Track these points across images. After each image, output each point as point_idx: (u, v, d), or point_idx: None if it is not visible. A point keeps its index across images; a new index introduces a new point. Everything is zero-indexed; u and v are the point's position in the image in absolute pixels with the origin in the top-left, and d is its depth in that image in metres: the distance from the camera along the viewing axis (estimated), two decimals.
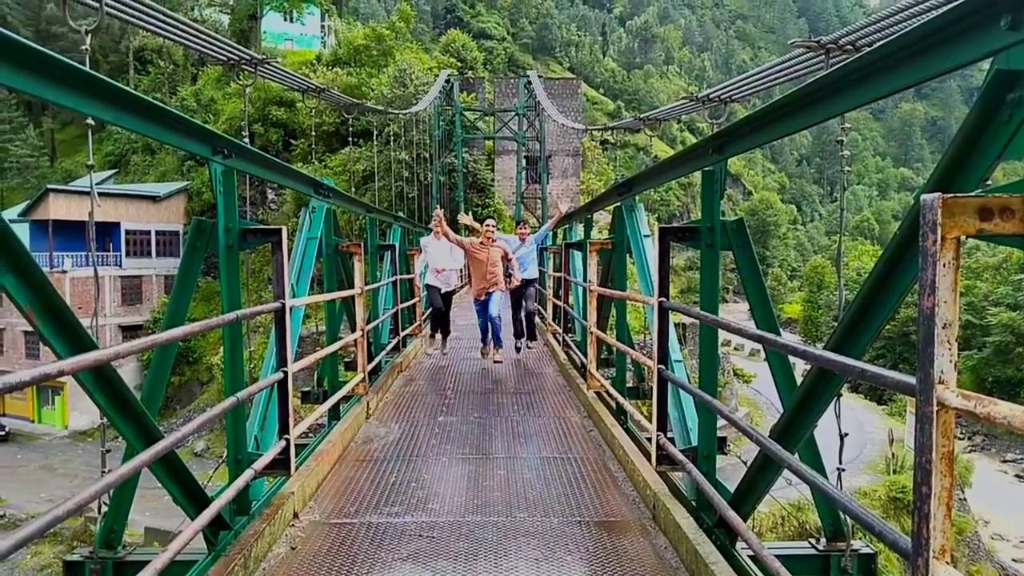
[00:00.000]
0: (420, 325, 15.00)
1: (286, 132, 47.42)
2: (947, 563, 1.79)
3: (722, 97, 8.11)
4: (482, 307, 11.53)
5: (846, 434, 4.31)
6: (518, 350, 12.56)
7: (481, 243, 11.33)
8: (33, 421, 43.60)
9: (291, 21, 64.40)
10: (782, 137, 4.18)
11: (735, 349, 58.57)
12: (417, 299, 14.90)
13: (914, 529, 1.82)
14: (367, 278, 9.08)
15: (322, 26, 67.21)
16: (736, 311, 59.25)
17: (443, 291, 12.43)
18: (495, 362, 11.65)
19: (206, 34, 8.35)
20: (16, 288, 2.93)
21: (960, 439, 44.96)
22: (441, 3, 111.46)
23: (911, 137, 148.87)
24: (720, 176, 4.83)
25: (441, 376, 11.19)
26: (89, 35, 4.66)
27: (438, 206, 12.87)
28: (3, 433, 41.59)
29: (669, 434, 5.53)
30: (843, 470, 4.40)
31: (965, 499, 33.66)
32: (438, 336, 12.93)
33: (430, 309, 13.08)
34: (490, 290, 11.35)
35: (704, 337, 5.27)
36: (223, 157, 4.62)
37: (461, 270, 14.21)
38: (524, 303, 12.34)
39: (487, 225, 11.41)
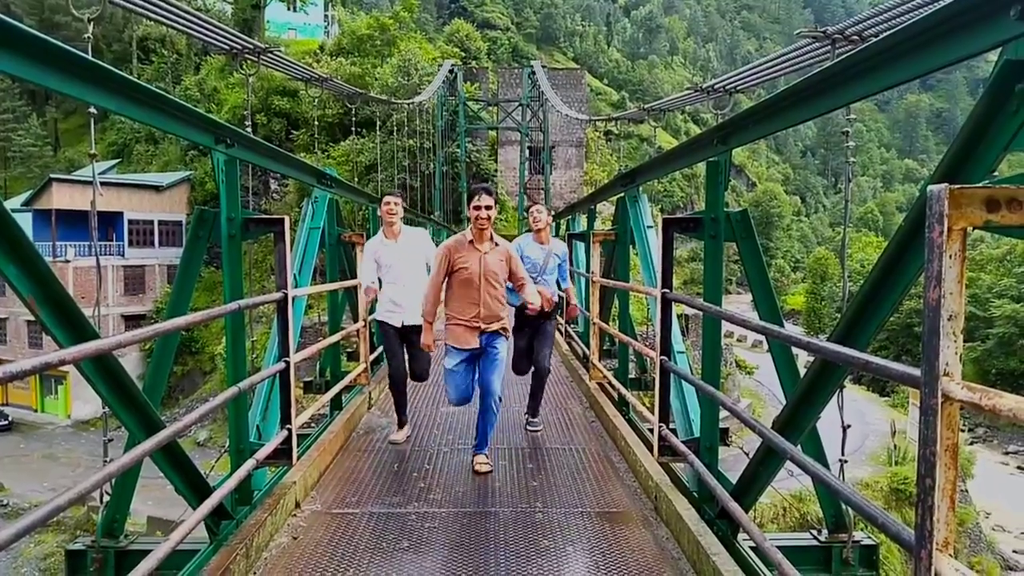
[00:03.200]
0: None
1: (289, 122, 47.32)
2: (950, 555, 1.78)
3: (727, 87, 8.09)
4: (467, 365, 6.11)
5: (848, 426, 4.30)
6: (530, 428, 7.48)
7: (471, 242, 5.97)
8: (36, 410, 43.69)
9: (294, 10, 64.26)
10: (787, 128, 4.16)
11: (738, 340, 58.50)
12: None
13: (918, 521, 1.82)
14: None
15: (325, 15, 67.06)
16: (739, 302, 59.21)
17: (403, 324, 7.02)
18: (476, 471, 6.03)
19: (209, 23, 8.33)
20: (18, 277, 2.93)
21: (962, 431, 44.93)
22: None
23: (916, 128, 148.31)
24: (724, 167, 4.81)
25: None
26: (92, 24, 4.65)
27: (396, 191, 7.53)
28: (6, 423, 41.69)
29: (671, 425, 5.54)
30: (845, 462, 4.40)
31: (967, 491, 33.69)
32: (405, 427, 7.20)
33: (385, 360, 7.77)
34: (488, 330, 6.02)
35: (707, 328, 5.26)
36: (225, 146, 4.62)
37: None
38: (539, 352, 7.39)
39: (476, 207, 5.91)
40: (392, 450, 6.71)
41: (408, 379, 7.14)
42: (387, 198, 7.09)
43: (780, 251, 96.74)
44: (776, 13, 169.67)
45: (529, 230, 8.02)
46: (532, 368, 7.48)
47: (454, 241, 5.97)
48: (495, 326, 6.01)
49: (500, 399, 6.05)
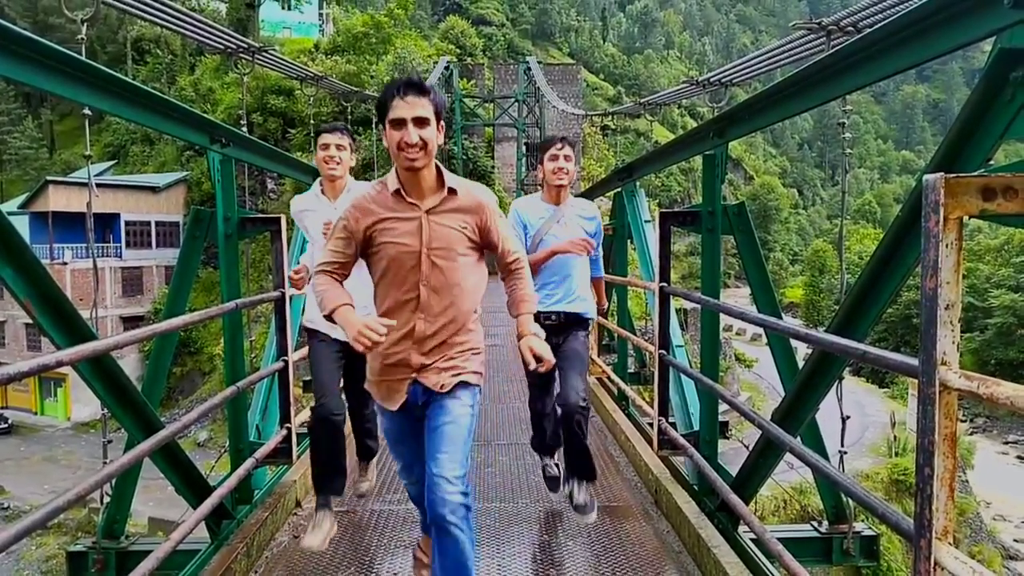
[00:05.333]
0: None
1: (285, 121, 47.23)
2: (950, 544, 1.78)
3: (723, 81, 8.08)
4: (411, 426, 3.08)
5: (848, 417, 4.31)
6: (578, 511, 4.51)
7: (399, 192, 2.91)
8: (36, 413, 43.62)
9: (289, 9, 64.13)
10: (783, 120, 4.16)
11: (736, 334, 58.53)
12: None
13: (917, 510, 1.82)
14: None
15: (320, 14, 66.91)
16: (738, 296, 59.26)
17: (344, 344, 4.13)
18: None
19: (203, 23, 8.32)
20: (14, 279, 2.93)
21: (962, 421, 44.88)
22: None
23: (913, 120, 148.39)
24: (721, 160, 4.81)
25: None
26: (85, 24, 4.64)
27: (340, 126, 4.52)
28: (6, 425, 41.63)
29: (671, 419, 5.54)
30: (845, 453, 4.41)
31: (967, 480, 33.73)
32: (327, 514, 4.10)
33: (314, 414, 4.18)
34: (425, 378, 2.96)
35: (705, 322, 5.27)
36: (221, 146, 4.62)
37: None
38: (564, 379, 4.47)
39: (395, 121, 2.80)
40: None
41: (345, 426, 4.25)
42: (324, 137, 4.36)
43: (778, 244, 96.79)
44: (771, 6, 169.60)
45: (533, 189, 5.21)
46: (556, 405, 4.60)
47: (372, 191, 2.98)
48: (445, 375, 2.96)
49: (470, 509, 2.83)
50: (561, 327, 4.48)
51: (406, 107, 2.78)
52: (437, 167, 2.90)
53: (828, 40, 5.30)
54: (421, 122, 2.78)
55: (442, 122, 2.87)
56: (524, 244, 4.32)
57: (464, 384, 2.98)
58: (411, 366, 2.93)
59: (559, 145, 4.48)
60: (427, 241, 2.86)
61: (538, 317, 3.62)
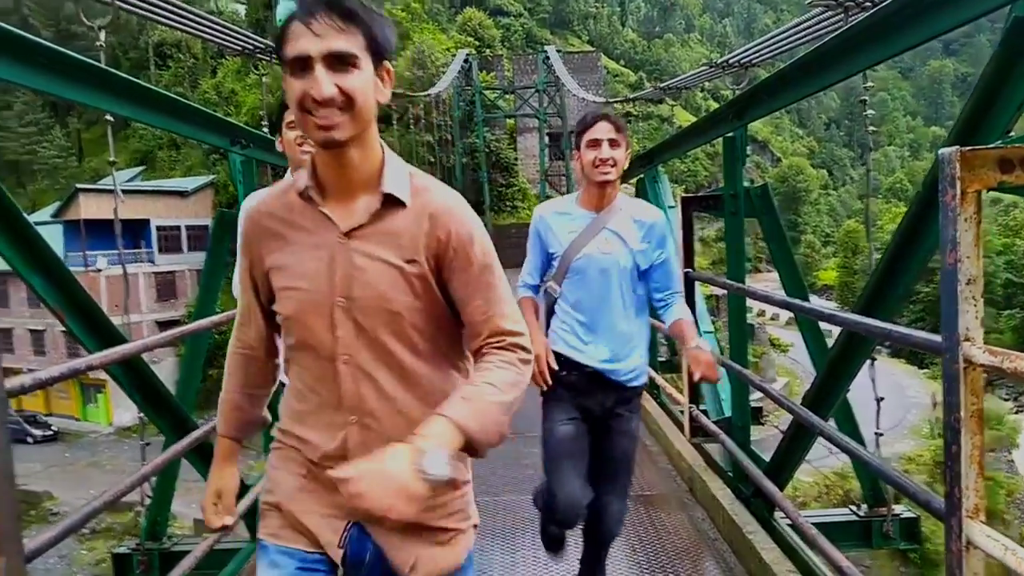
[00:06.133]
0: None
1: None
2: (982, 522, 1.76)
3: (742, 62, 7.98)
4: None
5: (882, 398, 4.26)
6: None
7: (305, 195, 1.59)
8: (78, 419, 44.44)
9: None
10: (803, 98, 4.12)
11: (771, 319, 58.01)
12: None
13: (947, 489, 1.81)
14: None
15: None
16: (770, 280, 58.67)
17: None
18: None
19: (222, 25, 8.37)
20: (44, 288, 2.99)
21: (1006, 400, 44.12)
22: None
23: (941, 95, 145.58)
24: (741, 142, 4.77)
25: None
26: (103, 32, 4.70)
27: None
28: (52, 432, 42.43)
29: (702, 407, 5.52)
30: (881, 435, 4.36)
31: (1013, 460, 33.21)
32: None
33: None
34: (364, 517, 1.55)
35: (732, 306, 5.24)
36: (241, 147, 4.67)
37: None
38: (603, 487, 3.11)
39: (293, 60, 1.46)
40: None
41: None
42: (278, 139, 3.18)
43: (809, 226, 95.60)
44: None
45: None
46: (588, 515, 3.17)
47: (273, 191, 1.72)
48: (419, 546, 1.72)
49: None
50: (588, 390, 2.96)
51: (312, 37, 1.46)
52: (382, 149, 1.61)
53: (846, 16, 5.22)
54: (341, 61, 1.47)
55: (385, 62, 1.56)
56: (544, 270, 3.11)
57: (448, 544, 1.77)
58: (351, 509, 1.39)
59: (602, 126, 2.94)
60: (341, 285, 1.57)
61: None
